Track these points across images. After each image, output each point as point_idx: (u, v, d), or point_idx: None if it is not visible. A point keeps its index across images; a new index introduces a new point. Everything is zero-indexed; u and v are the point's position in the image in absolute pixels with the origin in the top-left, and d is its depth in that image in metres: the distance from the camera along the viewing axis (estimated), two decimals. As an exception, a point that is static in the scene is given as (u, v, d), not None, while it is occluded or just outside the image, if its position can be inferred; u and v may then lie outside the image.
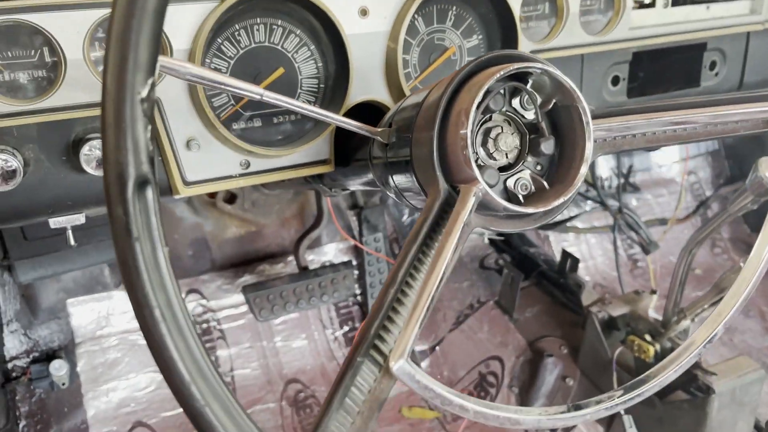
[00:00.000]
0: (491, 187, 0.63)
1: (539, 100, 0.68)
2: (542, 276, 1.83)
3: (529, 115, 0.68)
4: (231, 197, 1.89)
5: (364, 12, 0.96)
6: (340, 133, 1.01)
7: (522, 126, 0.69)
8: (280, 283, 1.62)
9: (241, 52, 0.94)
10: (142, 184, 0.37)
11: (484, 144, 0.68)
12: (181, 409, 1.51)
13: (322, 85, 1.01)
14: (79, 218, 0.95)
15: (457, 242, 0.57)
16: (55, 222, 0.94)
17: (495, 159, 0.68)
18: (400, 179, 0.76)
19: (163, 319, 0.37)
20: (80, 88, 0.84)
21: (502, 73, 0.60)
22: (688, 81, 1.36)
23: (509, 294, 1.78)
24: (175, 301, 0.38)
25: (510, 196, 0.68)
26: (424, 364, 1.91)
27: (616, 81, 1.26)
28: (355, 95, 1.01)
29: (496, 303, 1.86)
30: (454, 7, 1.06)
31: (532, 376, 1.66)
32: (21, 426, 1.60)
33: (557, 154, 0.70)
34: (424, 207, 0.63)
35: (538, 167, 0.70)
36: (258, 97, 0.66)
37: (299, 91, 1.00)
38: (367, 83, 1.01)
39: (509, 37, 1.07)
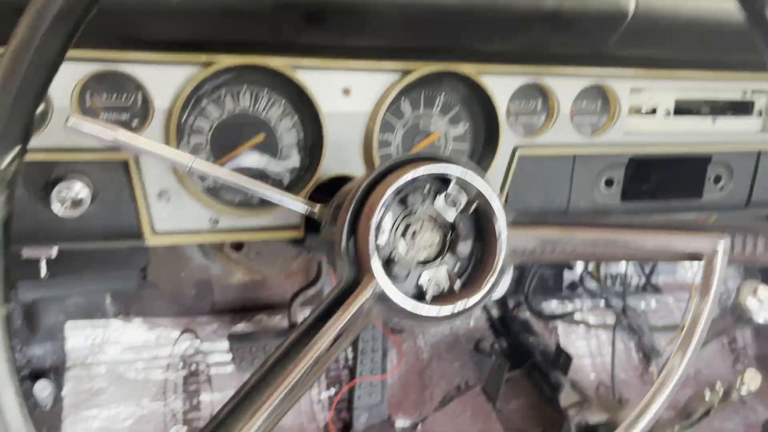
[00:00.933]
0: (401, 280, 0.64)
1: (463, 201, 0.69)
2: (534, 367, 1.77)
3: (451, 215, 0.69)
4: (238, 244, 1.94)
5: (347, 91, 1.00)
6: (316, 200, 1.04)
7: (443, 225, 0.69)
8: (266, 338, 1.64)
9: (225, 115, 0.99)
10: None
11: (404, 236, 0.69)
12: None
13: (300, 155, 1.05)
14: (51, 253, 1.00)
15: (340, 333, 0.58)
16: (27, 252, 0.99)
17: (412, 252, 0.69)
18: (331, 259, 0.78)
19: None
20: (62, 132, 0.90)
21: (411, 174, 0.62)
22: (689, 192, 1.33)
23: (495, 382, 1.74)
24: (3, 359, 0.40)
25: (421, 291, 0.68)
26: (404, 440, 1.86)
27: (610, 183, 1.25)
28: (331, 168, 1.04)
29: (482, 389, 1.81)
30: (443, 94, 1.09)
31: (506, 472, 1.59)
32: (-3, 440, 1.64)
33: (478, 256, 0.70)
34: (325, 295, 0.64)
35: (457, 266, 0.70)
36: (186, 168, 0.69)
37: (278, 157, 1.04)
38: (345, 158, 1.04)
39: (492, 131, 1.09)
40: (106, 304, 1.83)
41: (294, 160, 1.04)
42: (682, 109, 1.26)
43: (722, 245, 0.63)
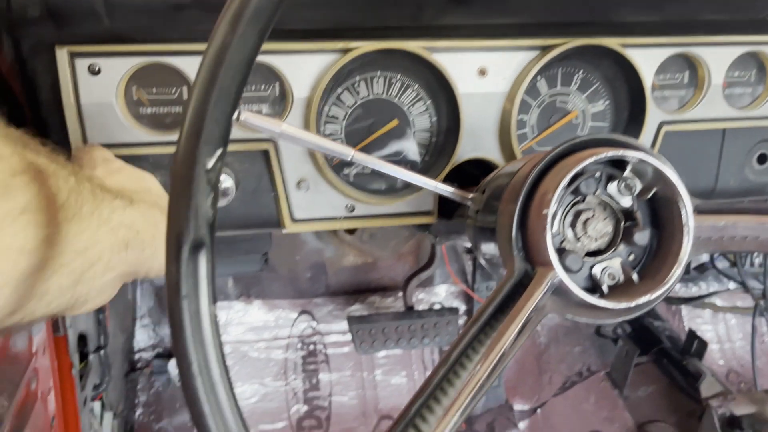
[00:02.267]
0: (573, 272, 0.61)
1: (638, 187, 0.64)
2: (663, 354, 1.68)
3: (626, 202, 0.64)
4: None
5: (482, 72, 0.97)
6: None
7: (617, 212, 0.65)
8: (384, 320, 1.65)
9: (359, 102, 0.98)
10: (196, 247, 0.40)
11: (573, 225, 0.65)
12: (279, 424, 1.55)
13: (433, 139, 1.02)
14: None
15: (522, 327, 0.56)
16: None
17: (584, 242, 0.65)
18: (486, 247, 0.75)
19: (199, 375, 0.40)
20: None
21: (590, 160, 0.58)
22: None
23: (622, 368, 1.66)
24: (213, 360, 0.41)
25: (595, 283, 0.64)
26: (522, 425, 1.83)
27: (763, 159, 1.15)
28: (465, 152, 1.01)
29: (607, 375, 1.74)
30: (581, 71, 1.03)
31: (636, 461, 1.52)
32: (137, 414, 1.76)
33: (654, 245, 0.65)
34: (497, 285, 0.61)
35: (631, 257, 0.66)
36: (348, 158, 0.68)
37: (411, 142, 1.02)
38: (479, 141, 1.01)
39: (637, 106, 1.02)
40: (229, 287, 1.90)
41: (426, 144, 1.02)
42: None
43: None
